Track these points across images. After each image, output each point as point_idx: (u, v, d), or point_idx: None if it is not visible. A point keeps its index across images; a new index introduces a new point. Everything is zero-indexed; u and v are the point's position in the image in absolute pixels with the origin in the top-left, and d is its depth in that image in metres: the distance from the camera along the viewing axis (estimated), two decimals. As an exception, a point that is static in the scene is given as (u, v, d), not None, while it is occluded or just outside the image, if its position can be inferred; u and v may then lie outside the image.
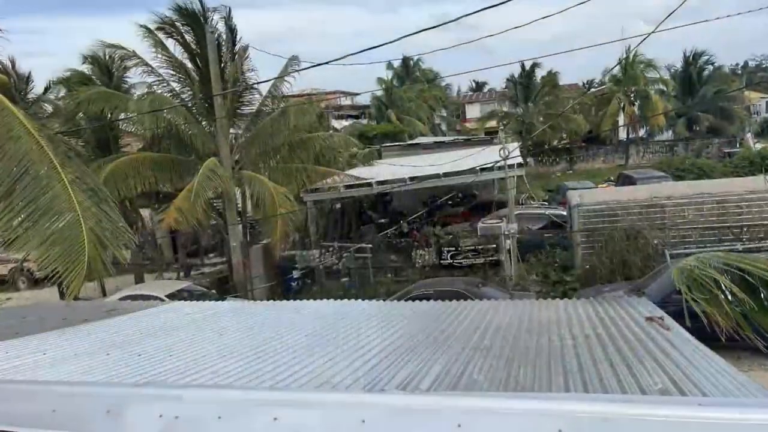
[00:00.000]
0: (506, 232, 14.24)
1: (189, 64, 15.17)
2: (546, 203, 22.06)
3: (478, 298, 8.55)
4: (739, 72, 57.20)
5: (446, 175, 16.57)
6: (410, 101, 40.21)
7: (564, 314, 5.16)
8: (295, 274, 15.93)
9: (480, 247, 15.34)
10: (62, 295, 14.48)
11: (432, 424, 1.89)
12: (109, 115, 15.53)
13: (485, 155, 16.72)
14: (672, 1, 7.72)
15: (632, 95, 36.77)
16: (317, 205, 19.36)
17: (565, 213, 16.18)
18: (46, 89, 20.78)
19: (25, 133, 6.33)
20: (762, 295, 4.08)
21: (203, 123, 15.47)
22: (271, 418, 1.99)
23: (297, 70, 15.42)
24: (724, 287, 4.14)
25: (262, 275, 15.55)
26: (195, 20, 14.47)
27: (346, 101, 49.05)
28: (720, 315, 4.14)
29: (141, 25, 14.48)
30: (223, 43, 14.97)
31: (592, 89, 40.28)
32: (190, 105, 15.38)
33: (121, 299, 11.76)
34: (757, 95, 45.45)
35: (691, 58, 40.83)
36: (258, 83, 16.00)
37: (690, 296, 4.25)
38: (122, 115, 15.69)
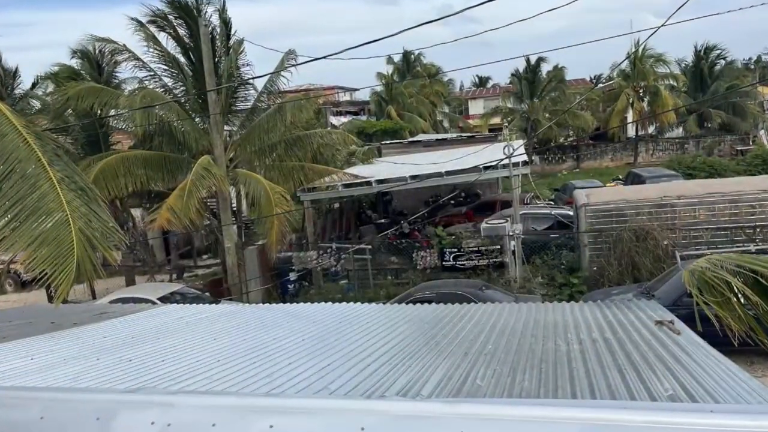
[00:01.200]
0: (511, 233, 14.24)
1: (182, 59, 15.18)
2: (552, 203, 22.06)
3: (481, 301, 8.55)
4: (752, 67, 57.13)
5: (448, 173, 16.57)
6: (411, 97, 40.22)
7: (571, 318, 5.17)
8: (292, 276, 15.93)
9: (483, 248, 15.33)
10: (50, 298, 14.49)
11: (434, 432, 1.89)
12: (99, 112, 15.54)
13: (489, 153, 16.70)
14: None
15: (641, 91, 36.78)
16: (315, 204, 19.36)
17: (571, 213, 16.18)
18: (34, 85, 20.78)
19: (11, 130, 6.34)
20: (776, 297, 4.07)
21: (197, 120, 15.48)
22: (267, 426, 1.99)
23: (294, 65, 15.43)
24: (736, 290, 4.15)
25: (258, 277, 15.55)
26: (188, 13, 14.47)
27: (344, 97, 49.06)
28: (732, 318, 4.14)
29: (132, 18, 14.50)
30: (218, 37, 14.98)
31: (600, 85, 40.27)
32: (183, 101, 15.38)
33: (111, 302, 11.76)
34: (770, 91, 45.43)
35: (702, 52, 40.82)
36: (253, 78, 16.03)
37: (701, 299, 4.26)
38: (112, 112, 15.69)
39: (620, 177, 28.01)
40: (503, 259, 14.84)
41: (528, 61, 37.73)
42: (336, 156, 18.41)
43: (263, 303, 11.34)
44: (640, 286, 11.04)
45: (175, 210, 12.54)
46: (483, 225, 16.16)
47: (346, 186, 17.33)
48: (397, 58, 44.77)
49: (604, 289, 11.83)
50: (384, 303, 9.60)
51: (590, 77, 50.57)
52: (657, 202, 13.30)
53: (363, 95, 47.91)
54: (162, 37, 14.84)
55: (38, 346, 4.91)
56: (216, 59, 14.62)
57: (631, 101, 36.51)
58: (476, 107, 49.52)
